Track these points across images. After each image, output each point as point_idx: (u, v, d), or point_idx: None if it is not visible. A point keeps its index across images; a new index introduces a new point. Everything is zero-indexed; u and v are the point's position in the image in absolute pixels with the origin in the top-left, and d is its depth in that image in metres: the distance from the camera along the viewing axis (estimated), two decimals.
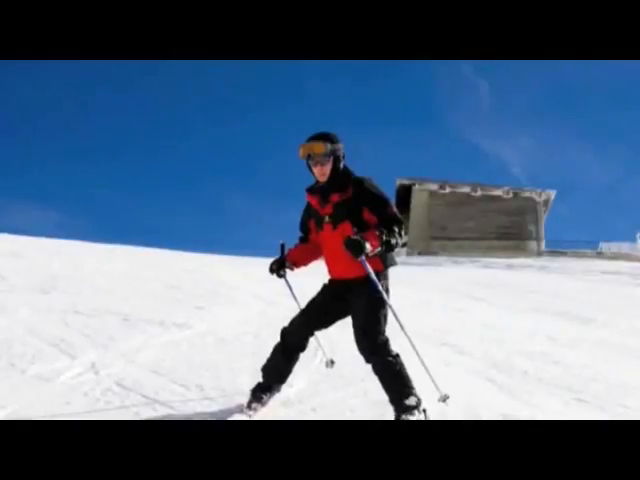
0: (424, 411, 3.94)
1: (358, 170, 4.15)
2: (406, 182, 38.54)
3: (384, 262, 4.10)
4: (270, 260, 4.45)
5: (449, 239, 37.29)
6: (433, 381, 4.07)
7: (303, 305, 4.37)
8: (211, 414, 4.24)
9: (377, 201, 4.03)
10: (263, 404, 4.23)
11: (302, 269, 4.50)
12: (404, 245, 34.08)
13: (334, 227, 4.07)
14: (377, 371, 4.01)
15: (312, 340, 4.39)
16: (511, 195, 38.20)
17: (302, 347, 4.30)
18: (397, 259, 4.33)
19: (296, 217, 4.46)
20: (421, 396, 3.96)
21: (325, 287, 4.33)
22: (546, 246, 37.53)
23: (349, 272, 4.07)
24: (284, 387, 4.43)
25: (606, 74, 75.56)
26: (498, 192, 38.17)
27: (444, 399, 4.05)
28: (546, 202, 38.65)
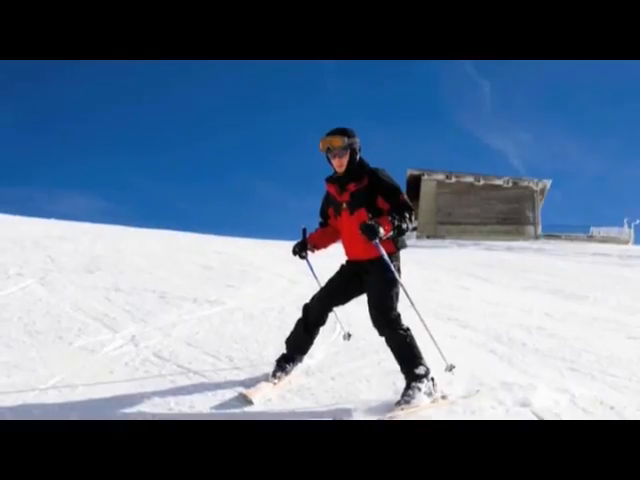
0: (432, 379, 3.95)
1: (372, 161, 4.16)
2: (416, 172, 38.30)
3: (396, 245, 4.10)
4: (293, 243, 4.47)
5: (454, 224, 37.07)
6: (440, 352, 4.08)
7: (323, 283, 4.38)
8: (240, 382, 4.26)
9: (390, 190, 4.03)
10: (287, 373, 4.26)
11: (322, 251, 4.51)
12: (414, 229, 34.01)
13: (351, 213, 4.07)
14: (390, 343, 4.02)
15: (331, 315, 4.40)
16: (510, 184, 37.88)
17: (322, 321, 4.32)
18: (407, 242, 4.33)
19: (316, 204, 4.46)
20: (429, 366, 3.97)
21: (343, 267, 4.32)
22: (542, 230, 37.20)
23: (364, 254, 4.06)
24: (306, 358, 4.45)
25: (598, 73, 74.82)
26: (499, 181, 37.87)
27: (450, 368, 4.07)
28: (542, 190, 38.30)
